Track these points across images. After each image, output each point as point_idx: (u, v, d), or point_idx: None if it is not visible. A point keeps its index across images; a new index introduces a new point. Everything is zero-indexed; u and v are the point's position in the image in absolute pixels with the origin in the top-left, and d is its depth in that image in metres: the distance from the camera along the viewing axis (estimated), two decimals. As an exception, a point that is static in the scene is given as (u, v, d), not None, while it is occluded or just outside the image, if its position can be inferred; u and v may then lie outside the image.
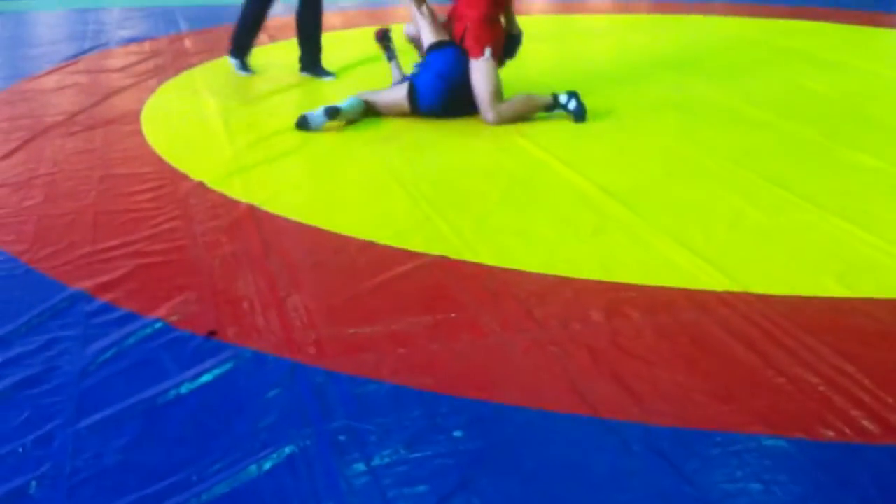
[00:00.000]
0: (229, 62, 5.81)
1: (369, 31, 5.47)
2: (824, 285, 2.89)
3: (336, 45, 6.22)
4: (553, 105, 4.76)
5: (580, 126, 4.65)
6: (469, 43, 4.68)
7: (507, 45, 4.87)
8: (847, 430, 2.15)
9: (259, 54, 6.08)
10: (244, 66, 5.81)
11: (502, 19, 4.83)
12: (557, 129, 4.59)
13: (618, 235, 3.30)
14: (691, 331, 2.62)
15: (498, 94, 4.68)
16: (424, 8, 4.83)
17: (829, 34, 7.32)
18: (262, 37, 6.66)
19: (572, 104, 4.72)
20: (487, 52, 4.65)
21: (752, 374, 2.40)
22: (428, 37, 4.82)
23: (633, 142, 4.44)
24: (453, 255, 3.11)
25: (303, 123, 4.56)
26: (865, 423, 2.18)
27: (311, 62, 5.79)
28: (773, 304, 2.75)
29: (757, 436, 2.13)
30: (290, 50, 5.94)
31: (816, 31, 7.40)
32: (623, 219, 3.43)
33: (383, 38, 5.20)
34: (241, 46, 5.79)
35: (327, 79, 5.75)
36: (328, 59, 5.85)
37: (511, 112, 4.70)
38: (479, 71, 4.66)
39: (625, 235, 3.29)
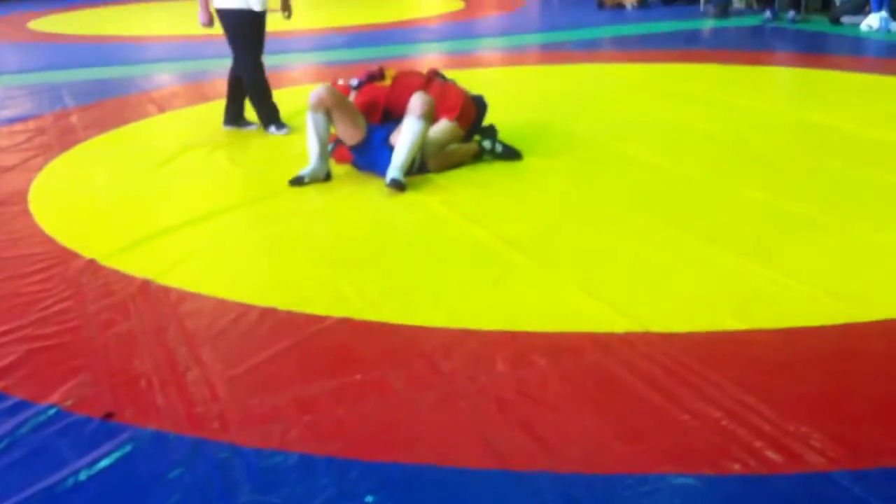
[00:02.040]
0: (270, 133, 5.91)
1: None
2: (721, 320, 2.95)
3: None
4: (481, 152, 4.98)
5: (478, 177, 4.70)
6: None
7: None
8: (751, 462, 2.18)
9: (146, 127, 5.99)
10: (280, 126, 5.95)
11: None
12: (455, 183, 4.63)
13: (520, 285, 3.32)
14: (596, 374, 2.64)
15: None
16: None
17: (713, 74, 7.58)
18: (151, 108, 6.58)
19: (499, 147, 4.97)
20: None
21: (657, 412, 2.42)
22: None
23: (529, 190, 4.50)
24: (356, 316, 3.08)
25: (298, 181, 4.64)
26: (769, 453, 2.21)
27: (235, 116, 6.06)
28: (673, 341, 2.80)
29: (665, 475, 2.15)
30: (177, 120, 5.86)
31: (701, 73, 7.66)
32: (524, 268, 3.45)
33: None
34: (269, 117, 5.95)
35: (249, 128, 6.05)
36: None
37: (447, 162, 4.85)
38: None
39: (527, 284, 3.32)
